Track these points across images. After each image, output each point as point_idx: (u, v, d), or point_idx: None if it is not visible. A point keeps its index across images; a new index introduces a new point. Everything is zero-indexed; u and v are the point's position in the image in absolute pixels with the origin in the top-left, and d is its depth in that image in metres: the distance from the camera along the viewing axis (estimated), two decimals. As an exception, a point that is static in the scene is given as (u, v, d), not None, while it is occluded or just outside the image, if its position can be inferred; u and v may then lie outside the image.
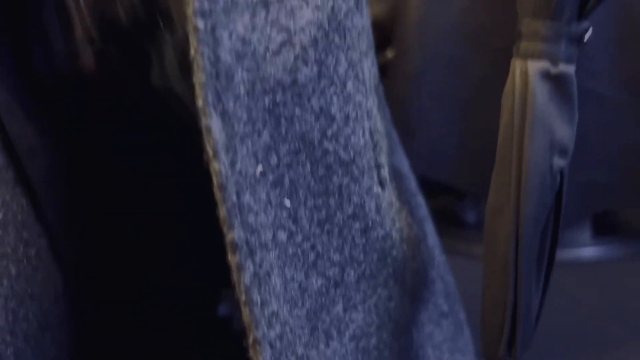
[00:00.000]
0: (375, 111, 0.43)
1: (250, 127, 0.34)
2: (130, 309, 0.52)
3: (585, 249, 0.93)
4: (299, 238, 0.37)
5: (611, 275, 0.90)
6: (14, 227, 0.42)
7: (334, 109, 0.38)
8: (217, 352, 0.55)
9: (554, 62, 0.39)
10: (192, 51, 0.32)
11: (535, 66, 0.40)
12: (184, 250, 0.52)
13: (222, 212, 0.33)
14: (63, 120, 0.47)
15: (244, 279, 0.33)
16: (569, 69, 0.40)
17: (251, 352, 0.34)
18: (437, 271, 0.52)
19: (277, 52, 0.35)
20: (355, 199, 0.40)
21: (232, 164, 0.33)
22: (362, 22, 0.41)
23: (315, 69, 0.37)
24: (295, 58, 0.36)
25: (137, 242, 0.50)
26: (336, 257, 0.39)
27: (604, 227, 0.94)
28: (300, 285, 0.37)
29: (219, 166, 0.32)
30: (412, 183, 0.55)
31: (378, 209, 0.42)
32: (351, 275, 0.40)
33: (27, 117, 0.45)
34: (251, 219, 0.34)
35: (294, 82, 0.36)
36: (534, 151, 0.40)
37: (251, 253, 0.34)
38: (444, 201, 1.06)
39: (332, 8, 0.38)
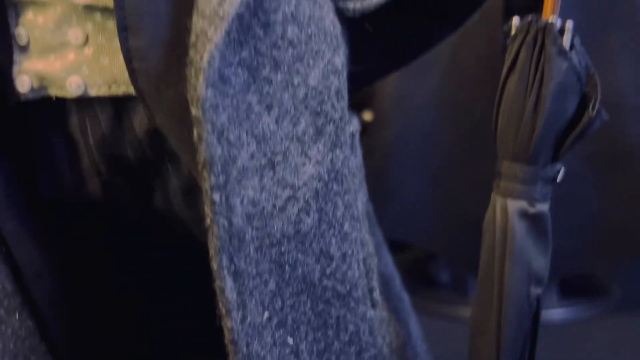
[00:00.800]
0: (367, 237, 0.47)
1: (259, 279, 0.38)
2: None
3: (553, 311, 0.98)
4: None
5: (578, 335, 0.94)
6: (22, 355, 0.44)
7: (332, 250, 0.42)
8: None
9: (531, 203, 0.43)
10: (207, 220, 0.35)
11: (514, 205, 0.44)
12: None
13: None
14: (66, 237, 0.50)
15: None
16: (544, 207, 0.44)
17: None
18: None
19: (283, 208, 0.39)
20: (351, 327, 0.44)
21: (243, 319, 0.36)
22: (356, 162, 0.45)
23: (316, 217, 0.40)
24: (299, 211, 0.39)
25: (142, 354, 0.53)
26: None
27: (570, 289, 0.99)
28: None
29: (230, 323, 0.36)
30: (397, 282, 0.59)
31: (371, 331, 0.46)
32: None
33: (34, 243, 0.47)
34: None
35: (297, 232, 0.39)
36: (513, 283, 0.44)
37: None
38: (416, 255, 1.10)
39: (332, 160, 0.41)
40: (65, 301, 0.50)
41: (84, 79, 0.43)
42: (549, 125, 0.42)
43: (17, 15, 0.44)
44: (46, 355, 0.47)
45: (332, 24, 0.42)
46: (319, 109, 0.41)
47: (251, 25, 0.38)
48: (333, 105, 0.42)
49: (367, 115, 1.04)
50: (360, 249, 0.45)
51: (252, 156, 0.38)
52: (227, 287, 0.35)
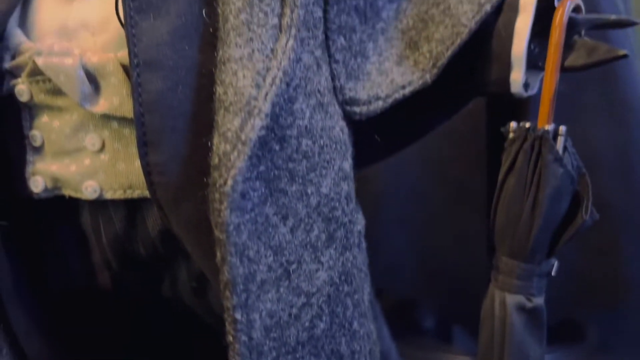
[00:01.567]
0: (372, 327, 0.48)
1: None
2: None
3: None
4: None
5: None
6: None
7: (342, 349, 0.43)
8: None
9: (528, 298, 0.46)
10: (229, 337, 0.37)
11: (512, 299, 0.46)
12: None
13: None
14: (73, 325, 0.50)
15: None
16: (540, 300, 0.46)
17: None
18: None
19: (297, 316, 0.40)
20: None
21: None
22: (362, 257, 0.46)
23: (328, 320, 0.42)
24: (313, 317, 0.41)
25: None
26: None
27: (551, 337, 1.01)
28: None
29: None
30: (393, 353, 0.61)
31: None
32: None
33: (44, 338, 0.48)
34: None
35: (311, 337, 0.41)
36: (513, 374, 0.46)
37: None
38: (399, 300, 1.11)
39: (342, 263, 0.43)
40: None
41: (100, 184, 0.44)
42: (546, 226, 0.45)
43: (32, 117, 0.45)
44: None
45: (341, 130, 0.44)
46: (330, 215, 0.43)
47: (269, 142, 0.40)
48: (343, 210, 0.43)
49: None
50: (367, 342, 0.46)
51: (269, 268, 0.39)
52: None
